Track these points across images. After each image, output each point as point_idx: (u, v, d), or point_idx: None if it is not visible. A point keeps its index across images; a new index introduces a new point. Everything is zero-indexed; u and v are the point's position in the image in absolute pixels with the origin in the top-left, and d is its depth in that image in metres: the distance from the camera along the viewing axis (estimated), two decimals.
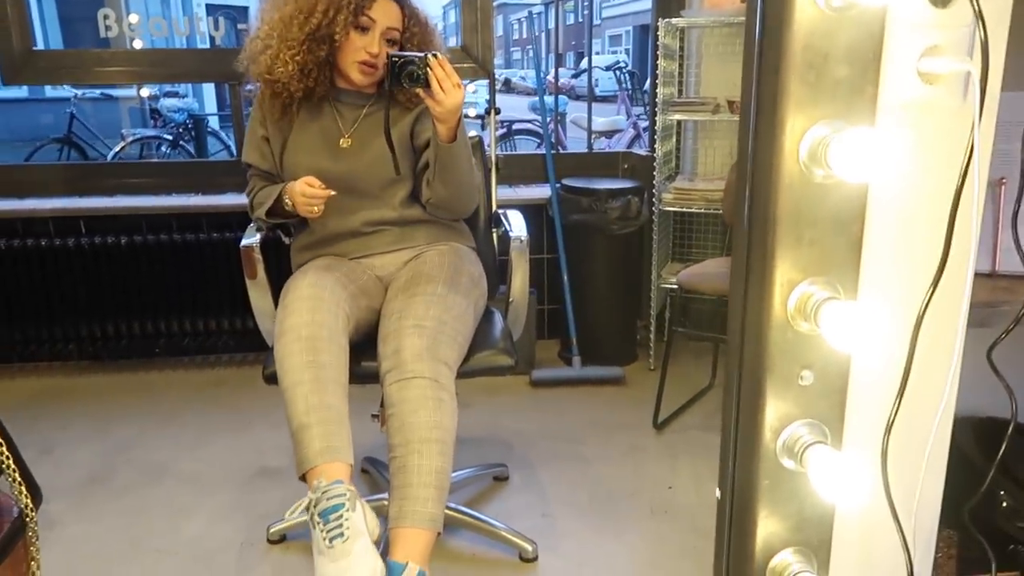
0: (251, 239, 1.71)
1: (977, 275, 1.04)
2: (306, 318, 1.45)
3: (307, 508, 1.33)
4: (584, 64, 12.12)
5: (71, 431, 2.41)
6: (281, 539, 1.83)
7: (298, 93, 1.66)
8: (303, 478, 1.39)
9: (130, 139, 6.22)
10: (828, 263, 0.78)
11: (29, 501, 1.14)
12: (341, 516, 1.29)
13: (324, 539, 1.29)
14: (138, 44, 2.99)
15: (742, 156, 0.80)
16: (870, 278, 0.79)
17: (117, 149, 6.06)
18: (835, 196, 0.76)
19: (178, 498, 2.04)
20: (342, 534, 1.28)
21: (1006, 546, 1.15)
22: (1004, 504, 1.17)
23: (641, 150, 3.24)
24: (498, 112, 2.70)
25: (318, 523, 1.30)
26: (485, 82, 2.98)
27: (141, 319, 2.79)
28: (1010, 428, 0.90)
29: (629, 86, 5.87)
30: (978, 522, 1.19)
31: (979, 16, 0.72)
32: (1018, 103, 0.89)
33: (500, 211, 1.96)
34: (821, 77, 0.74)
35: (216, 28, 2.94)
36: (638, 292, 2.90)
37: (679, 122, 2.82)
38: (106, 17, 2.78)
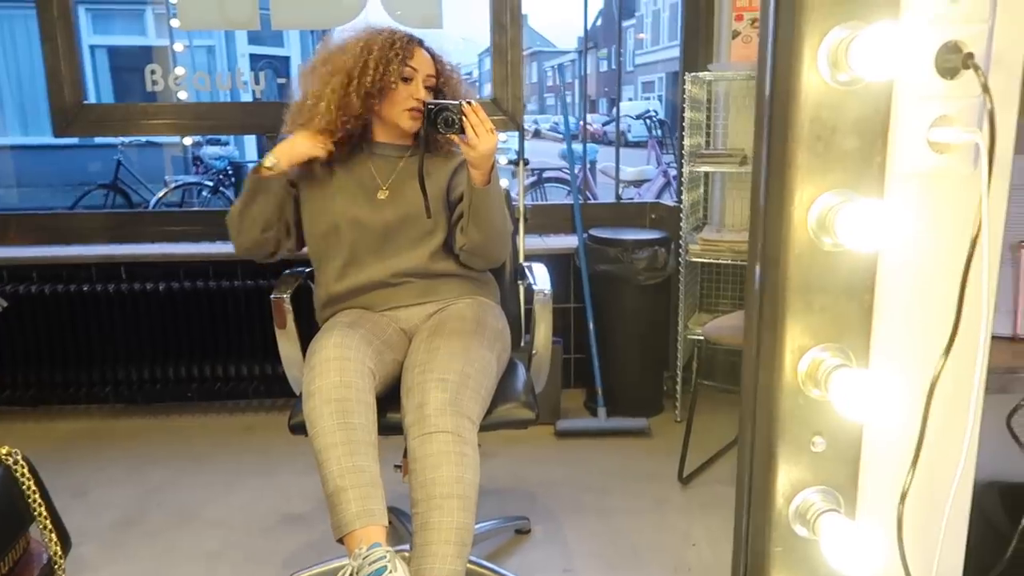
0: (282, 292, 1.74)
1: (997, 339, 1.03)
2: (335, 379, 1.47)
3: (351, 575, 1.34)
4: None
5: (105, 473, 2.45)
6: None
7: (342, 149, 1.74)
8: (340, 541, 1.41)
9: (172, 185, 6.41)
10: (839, 330, 0.79)
11: (59, 548, 1.17)
12: None
13: None
14: (183, 95, 3.11)
15: (754, 223, 0.82)
16: (881, 345, 0.79)
17: (160, 195, 6.25)
18: (845, 264, 0.77)
19: (207, 542, 2.06)
20: None
21: None
22: None
23: (670, 200, 3.26)
24: (527, 163, 2.75)
25: None
26: (515, 132, 3.04)
27: (176, 364, 2.85)
28: None
29: (659, 134, 5.93)
30: None
31: (985, 87, 0.73)
32: None
33: (526, 264, 1.99)
34: (829, 148, 0.75)
35: (257, 82, 3.05)
36: (665, 343, 2.89)
37: (706, 173, 2.84)
38: (153, 72, 2.90)
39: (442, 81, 1.79)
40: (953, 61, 0.75)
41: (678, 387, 2.80)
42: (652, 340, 2.82)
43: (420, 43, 1.77)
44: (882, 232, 0.72)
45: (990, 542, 0.89)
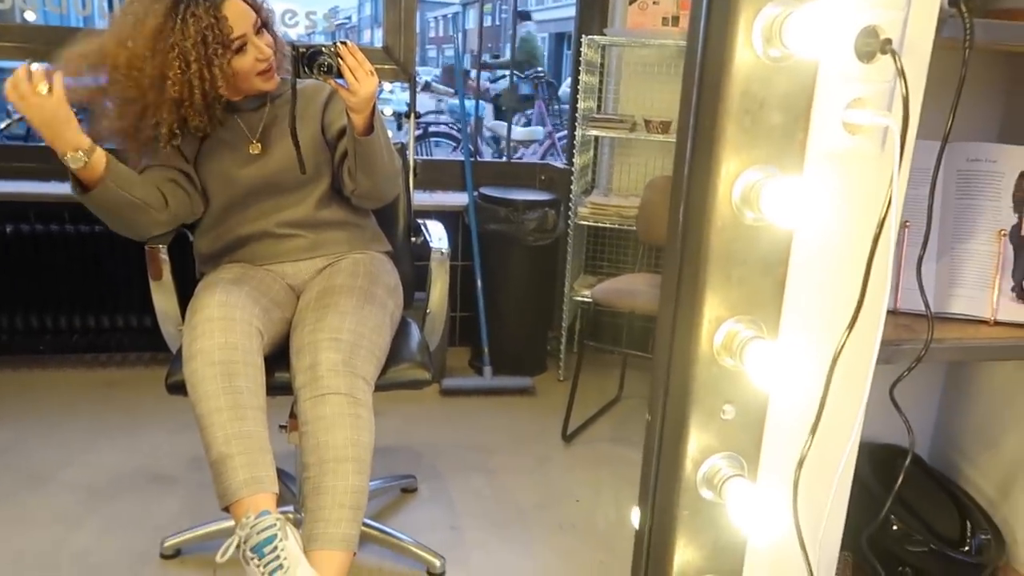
0: (158, 241, 1.61)
1: None
2: (219, 340, 1.38)
3: (238, 546, 1.28)
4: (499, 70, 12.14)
5: None
6: (176, 553, 1.74)
7: (195, 130, 1.58)
8: (226, 510, 1.34)
9: (17, 117, 5.80)
10: (754, 302, 0.81)
11: None
12: (276, 547, 1.25)
13: (263, 574, 1.24)
14: (30, 16, 2.80)
15: (676, 194, 0.82)
16: (791, 318, 0.82)
17: (2, 127, 5.65)
18: (764, 238, 0.79)
19: (63, 507, 1.91)
20: (281, 565, 1.25)
21: (895, 568, 1.23)
22: (895, 528, 1.24)
23: (556, 161, 3.27)
24: (419, 116, 2.67)
25: (252, 559, 1.26)
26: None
27: (25, 313, 2.60)
28: (907, 460, 0.95)
29: (547, 95, 5.93)
30: (871, 545, 1.26)
31: (901, 72, 0.76)
32: (928, 151, 0.94)
33: (420, 221, 1.94)
34: (756, 123, 0.76)
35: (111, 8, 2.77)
36: (550, 303, 2.92)
37: (596, 137, 2.87)
38: None
39: (264, 16, 1.60)
40: (872, 45, 0.77)
41: (562, 347, 2.85)
42: (537, 300, 2.85)
43: None
44: (801, 209, 0.74)
45: (856, 497, 0.96)
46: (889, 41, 0.76)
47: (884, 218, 0.77)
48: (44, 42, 2.74)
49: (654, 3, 2.64)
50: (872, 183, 0.82)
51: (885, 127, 0.81)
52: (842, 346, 0.79)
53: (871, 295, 0.79)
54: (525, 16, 5.73)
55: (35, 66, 1.34)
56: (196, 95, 1.51)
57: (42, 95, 1.32)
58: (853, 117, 0.79)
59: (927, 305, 0.94)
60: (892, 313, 1.13)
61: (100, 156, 1.42)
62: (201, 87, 1.50)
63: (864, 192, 0.82)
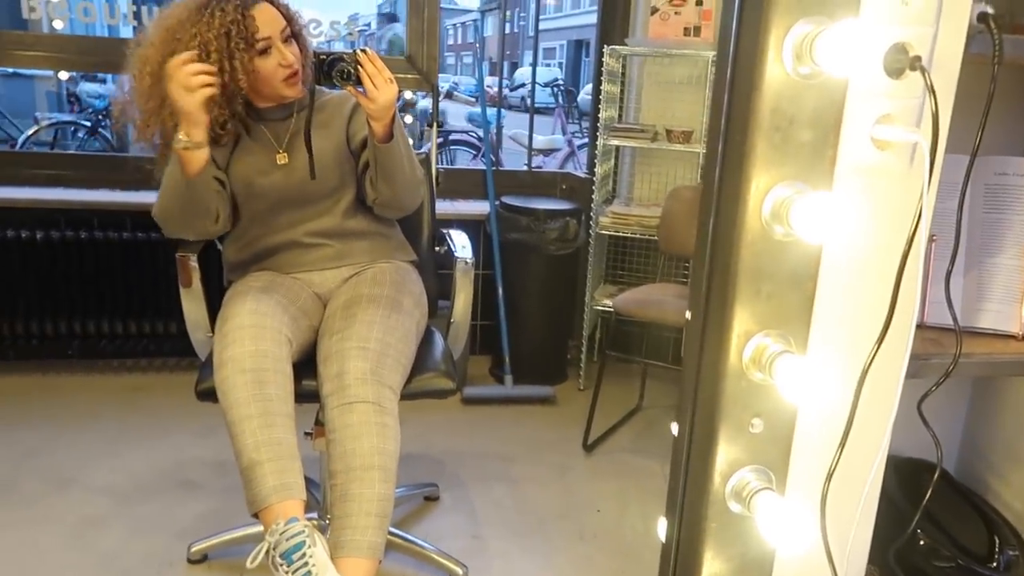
0: (189, 249, 1.64)
1: None
2: (249, 348, 1.40)
3: (267, 552, 1.30)
4: (519, 76, 12.20)
5: None
6: (203, 559, 1.77)
7: (224, 138, 1.60)
8: (255, 516, 1.36)
9: (45, 123, 5.90)
10: (783, 317, 0.81)
11: None
12: (304, 554, 1.27)
13: None
14: (59, 25, 2.85)
15: (705, 209, 0.83)
16: (820, 333, 0.82)
17: (30, 133, 5.75)
18: (793, 253, 0.79)
19: (90, 510, 1.94)
20: (309, 572, 1.26)
21: None
22: (922, 543, 1.23)
23: (576, 169, 3.28)
24: (440, 125, 2.69)
25: (281, 565, 1.28)
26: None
27: (55, 319, 2.65)
28: (936, 474, 0.95)
29: (565, 103, 5.95)
30: (898, 560, 1.26)
31: (931, 89, 0.76)
32: (955, 165, 0.94)
33: (444, 230, 1.96)
34: (786, 139, 0.77)
35: (137, 18, 2.81)
36: (571, 313, 2.93)
37: (617, 146, 2.87)
38: None
39: (294, 25, 1.63)
40: (901, 62, 0.78)
41: (582, 356, 2.85)
42: (558, 310, 2.86)
43: None
44: (831, 224, 0.75)
45: (882, 511, 0.96)
46: (919, 58, 0.76)
47: (914, 233, 0.77)
48: (75, 51, 2.79)
49: (676, 13, 2.65)
50: (900, 198, 0.83)
51: (914, 143, 0.81)
52: (871, 360, 0.80)
53: (900, 309, 0.79)
54: (392, 18, 5.79)
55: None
56: (218, 105, 1.53)
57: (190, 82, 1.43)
58: (882, 133, 0.80)
59: (955, 319, 0.94)
60: (919, 327, 1.12)
61: (202, 154, 1.50)
62: (220, 78, 1.51)
63: (892, 207, 0.83)
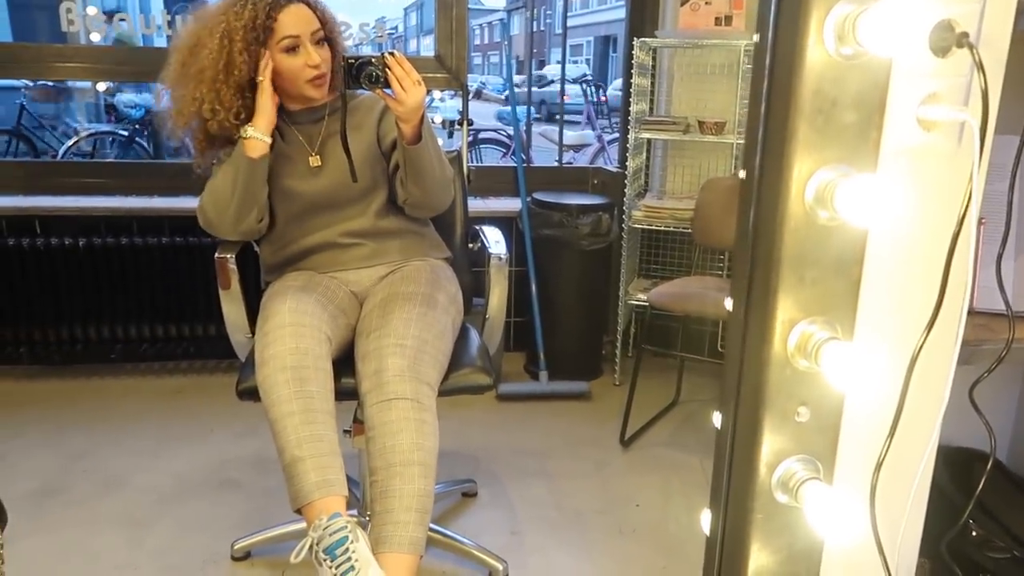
0: (227, 251, 1.66)
1: None
2: (290, 345, 1.42)
3: (311, 547, 1.31)
4: (546, 73, 12.17)
5: (22, 439, 2.32)
6: (246, 555, 1.79)
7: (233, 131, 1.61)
8: (298, 512, 1.37)
9: (84, 134, 6.03)
10: (828, 303, 0.80)
11: None
12: (348, 549, 1.28)
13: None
14: (95, 37, 2.90)
15: (746, 196, 0.81)
16: (867, 319, 0.81)
17: (70, 144, 5.87)
18: (837, 238, 0.78)
19: (137, 511, 1.98)
20: (352, 567, 1.27)
21: (976, 575, 1.19)
22: (974, 534, 1.20)
23: (607, 164, 3.26)
24: (471, 124, 2.70)
25: (325, 560, 1.29)
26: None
27: (98, 324, 2.70)
28: (989, 464, 0.92)
29: (595, 99, 5.93)
30: (950, 551, 1.23)
31: (980, 66, 0.74)
32: (1003, 146, 0.92)
33: (477, 227, 1.96)
34: (829, 122, 0.75)
35: (172, 26, 2.85)
36: (605, 307, 2.92)
37: (648, 140, 2.85)
38: (68, 11, 2.69)
39: (328, 29, 1.64)
40: (948, 39, 0.75)
41: (617, 351, 2.84)
42: (592, 305, 2.85)
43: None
44: (877, 207, 0.73)
45: (932, 501, 0.93)
46: (966, 35, 0.74)
47: (963, 215, 0.75)
48: (112, 61, 2.85)
49: (706, 3, 2.62)
50: (948, 180, 0.81)
51: (961, 122, 0.79)
52: (920, 347, 0.78)
53: (950, 294, 0.77)
54: None
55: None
56: (233, 72, 1.55)
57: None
58: (928, 113, 0.78)
59: (1007, 304, 0.92)
60: (969, 313, 1.10)
61: (264, 145, 1.58)
62: (238, 66, 1.55)
63: (940, 189, 0.81)
